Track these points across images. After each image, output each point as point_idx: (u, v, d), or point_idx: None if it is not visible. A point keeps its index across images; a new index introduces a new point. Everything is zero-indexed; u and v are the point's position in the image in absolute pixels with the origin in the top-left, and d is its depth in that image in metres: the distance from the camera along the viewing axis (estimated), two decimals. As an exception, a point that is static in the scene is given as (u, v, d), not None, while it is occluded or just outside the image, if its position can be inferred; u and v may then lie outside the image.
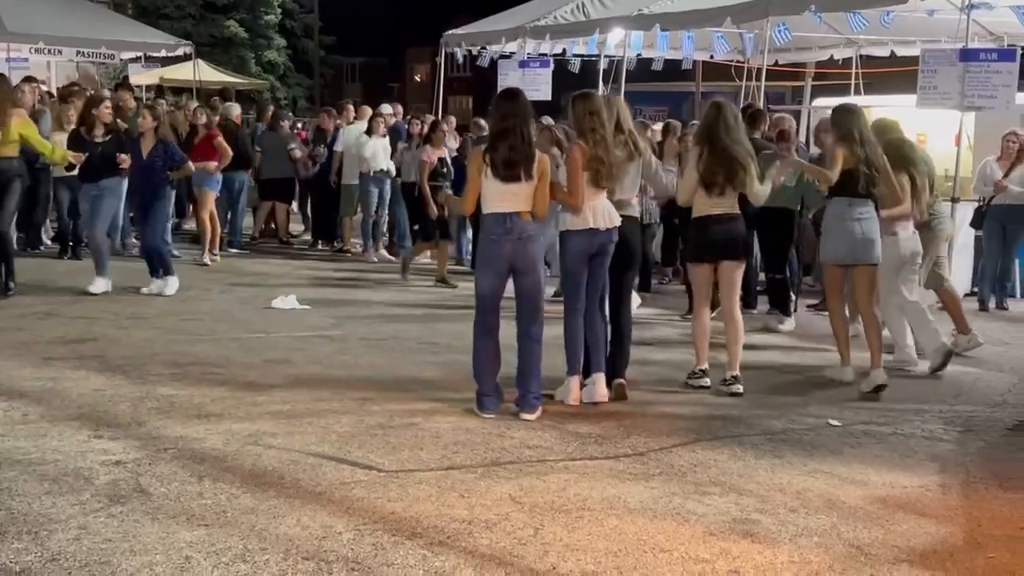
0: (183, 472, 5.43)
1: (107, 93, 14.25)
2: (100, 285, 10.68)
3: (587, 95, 7.26)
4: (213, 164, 13.22)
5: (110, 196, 10.90)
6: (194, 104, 15.89)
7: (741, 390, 7.53)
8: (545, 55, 16.88)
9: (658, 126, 13.54)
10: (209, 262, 13.19)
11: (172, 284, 10.89)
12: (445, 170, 12.32)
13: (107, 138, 10.83)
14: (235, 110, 15.64)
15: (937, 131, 12.63)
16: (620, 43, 15.81)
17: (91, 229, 10.94)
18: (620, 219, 7.12)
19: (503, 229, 6.65)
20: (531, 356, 6.80)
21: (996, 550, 4.83)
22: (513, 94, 6.92)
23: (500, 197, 6.64)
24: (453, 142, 14.14)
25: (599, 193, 7.05)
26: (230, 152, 13.27)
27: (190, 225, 16.24)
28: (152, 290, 10.80)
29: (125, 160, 10.65)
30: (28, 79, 15.12)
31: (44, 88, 15.63)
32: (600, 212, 7.03)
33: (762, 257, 10.72)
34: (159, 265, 10.98)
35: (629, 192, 7.42)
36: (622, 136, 7.25)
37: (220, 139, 13.28)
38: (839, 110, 8.17)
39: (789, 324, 10.11)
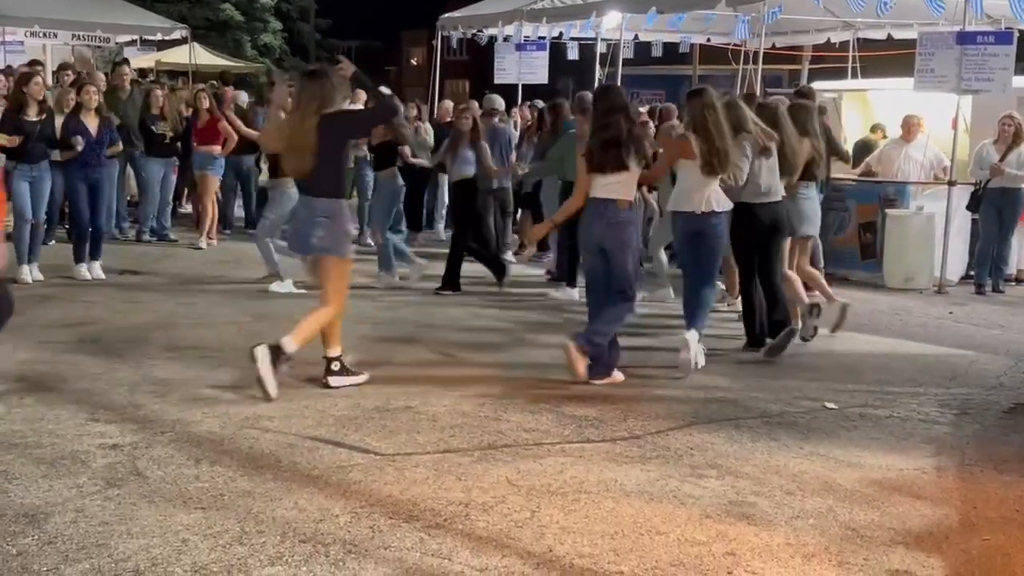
0: (180, 455, 5.43)
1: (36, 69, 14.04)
2: (27, 273, 10.37)
3: (702, 91, 7.77)
4: (217, 148, 13.21)
5: (48, 180, 10.54)
6: (199, 86, 15.82)
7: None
8: (543, 38, 16.84)
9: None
10: (205, 246, 13.19)
11: (97, 269, 10.74)
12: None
13: (42, 117, 10.39)
14: (242, 96, 15.66)
15: (934, 114, 12.62)
16: (616, 26, 15.79)
17: (39, 218, 10.56)
18: (731, 204, 7.75)
19: (597, 214, 7.15)
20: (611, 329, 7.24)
21: (991, 532, 4.85)
22: (609, 88, 7.47)
23: (601, 186, 7.14)
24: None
25: (712, 180, 7.62)
26: (235, 136, 13.24)
27: (183, 209, 16.21)
28: (87, 275, 10.62)
29: (80, 142, 10.37)
30: (33, 63, 15.09)
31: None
32: (710, 197, 7.63)
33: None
34: (99, 246, 10.79)
35: (771, 179, 8.21)
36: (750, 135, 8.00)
37: (224, 123, 13.22)
38: (794, 108, 8.88)
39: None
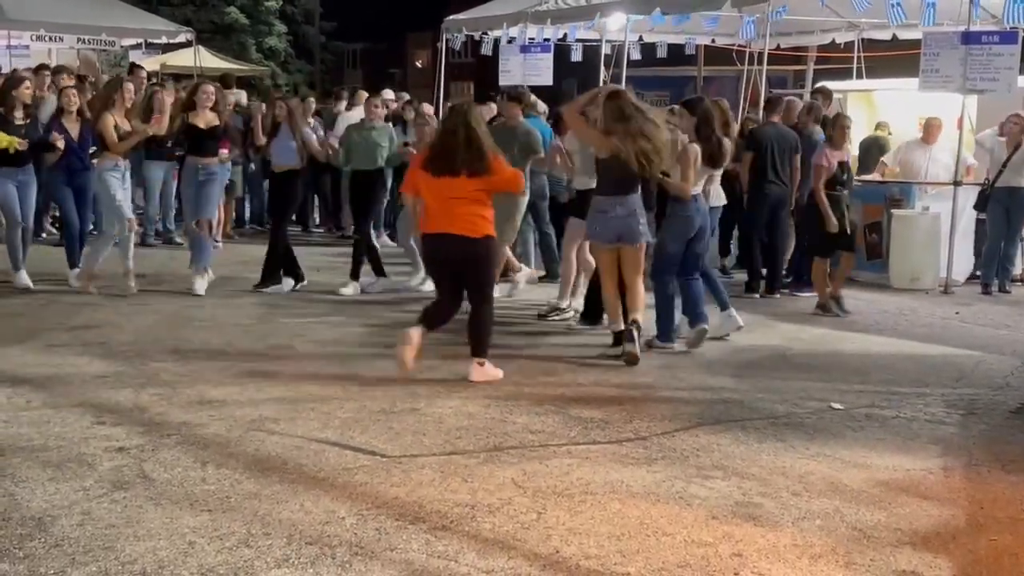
0: (186, 458, 5.44)
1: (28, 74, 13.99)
2: (26, 278, 10.27)
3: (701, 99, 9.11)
4: (225, 152, 13.13)
5: (35, 184, 10.45)
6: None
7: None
8: (547, 40, 16.83)
9: None
10: (220, 245, 13.18)
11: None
12: (845, 176, 10.03)
13: (27, 121, 10.28)
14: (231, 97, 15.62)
15: (939, 114, 12.59)
16: (621, 28, 15.78)
17: (27, 222, 10.39)
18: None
19: (695, 207, 8.28)
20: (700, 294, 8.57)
21: (999, 532, 4.84)
22: (703, 100, 8.69)
23: (699, 182, 8.34)
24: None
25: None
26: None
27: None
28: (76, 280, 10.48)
29: (60, 139, 10.28)
30: (42, 67, 15.11)
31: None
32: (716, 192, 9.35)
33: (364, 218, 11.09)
34: (81, 251, 10.70)
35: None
36: None
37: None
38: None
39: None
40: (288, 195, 10.71)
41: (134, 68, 16.13)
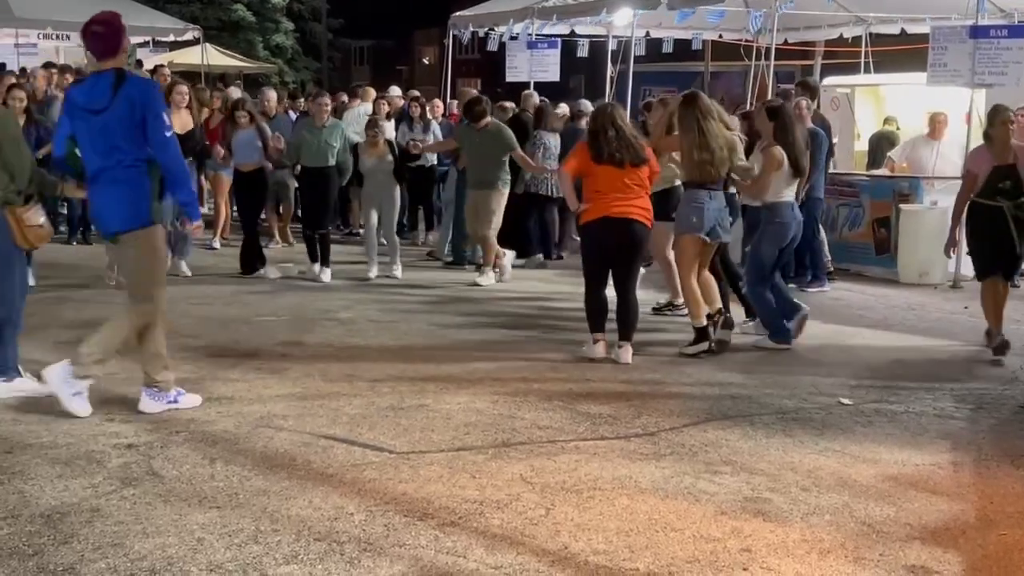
0: (195, 455, 5.45)
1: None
2: None
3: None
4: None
5: None
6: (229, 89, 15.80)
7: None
8: (552, 36, 16.83)
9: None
10: (218, 246, 13.21)
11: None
12: (1008, 184, 8.20)
13: None
14: (272, 94, 15.70)
15: (947, 109, 12.55)
16: (628, 23, 15.77)
17: None
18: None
19: (792, 214, 8.38)
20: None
21: (1008, 527, 4.83)
22: (782, 105, 8.64)
23: (790, 188, 8.36)
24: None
25: None
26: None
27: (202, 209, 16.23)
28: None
29: None
30: (47, 65, 15.14)
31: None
32: None
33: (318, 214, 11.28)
34: (29, 256, 10.72)
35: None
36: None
37: None
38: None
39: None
40: (256, 192, 11.38)
41: (158, 68, 16.11)
